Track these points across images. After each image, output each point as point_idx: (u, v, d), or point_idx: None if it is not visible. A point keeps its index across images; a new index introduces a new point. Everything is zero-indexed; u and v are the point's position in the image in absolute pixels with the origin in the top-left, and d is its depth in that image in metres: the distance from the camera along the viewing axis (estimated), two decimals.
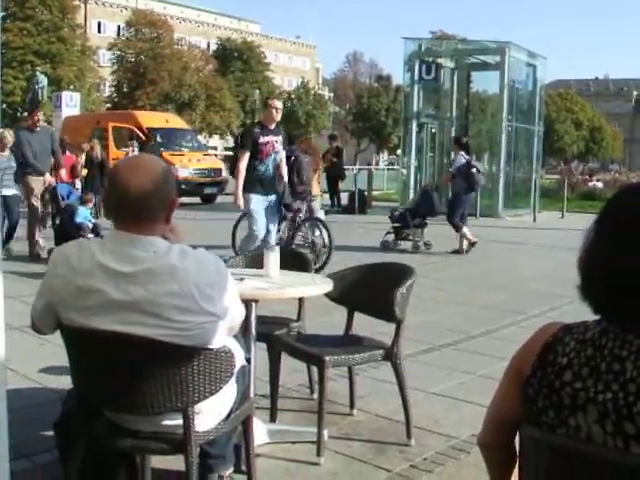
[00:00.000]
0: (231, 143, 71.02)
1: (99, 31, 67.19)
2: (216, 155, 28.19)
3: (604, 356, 1.39)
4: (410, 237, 11.26)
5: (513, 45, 18.50)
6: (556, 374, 1.43)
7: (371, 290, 3.80)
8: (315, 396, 3.96)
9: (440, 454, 3.46)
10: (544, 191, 21.20)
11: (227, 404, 2.56)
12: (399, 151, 29.66)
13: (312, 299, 3.95)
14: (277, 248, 3.71)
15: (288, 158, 10.66)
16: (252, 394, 3.04)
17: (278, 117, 7.61)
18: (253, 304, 3.30)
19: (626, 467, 1.33)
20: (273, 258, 3.56)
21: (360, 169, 27.36)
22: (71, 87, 39.71)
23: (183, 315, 2.26)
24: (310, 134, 62.72)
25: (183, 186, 17.09)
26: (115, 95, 56.60)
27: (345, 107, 77.90)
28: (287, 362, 3.85)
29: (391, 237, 11.32)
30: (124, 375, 2.34)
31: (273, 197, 7.78)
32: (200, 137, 34.23)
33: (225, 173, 21.20)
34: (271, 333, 3.81)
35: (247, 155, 7.50)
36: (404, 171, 19.89)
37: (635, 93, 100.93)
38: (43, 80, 26.29)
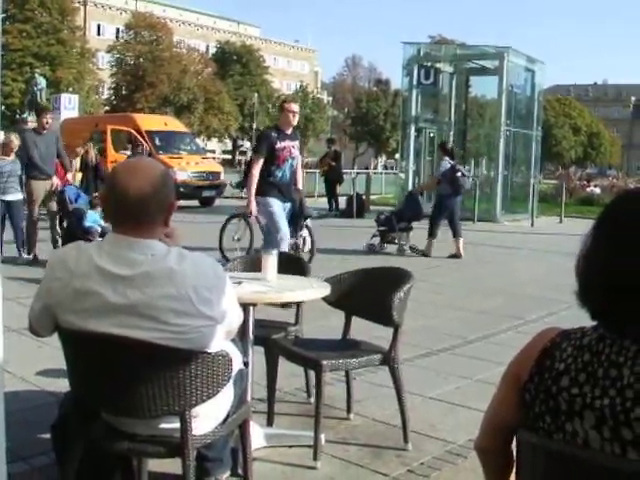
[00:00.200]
0: (229, 146, 71.28)
1: (98, 34, 67.28)
2: (214, 158, 28.17)
3: (601, 362, 1.39)
4: (396, 240, 11.42)
5: (512, 50, 18.53)
6: (553, 380, 1.43)
7: (369, 294, 3.80)
8: (312, 400, 3.95)
9: (437, 459, 3.46)
10: (542, 196, 21.22)
11: (224, 408, 2.56)
12: (397, 155, 29.72)
13: (310, 303, 3.95)
14: (275, 252, 3.71)
15: None
16: (249, 398, 3.04)
17: (295, 121, 7.33)
18: (251, 308, 3.30)
19: (623, 473, 1.33)
20: (271, 262, 3.56)
21: (358, 173, 27.37)
22: (70, 89, 39.77)
23: (180, 318, 2.26)
24: (309, 138, 62.89)
25: (181, 189, 17.09)
26: (114, 98, 56.71)
27: (344, 111, 78.02)
28: (284, 366, 3.85)
29: (377, 240, 11.50)
30: (121, 378, 2.34)
31: (288, 205, 7.49)
32: (199, 140, 34.24)
33: (223, 176, 21.22)
34: (269, 337, 3.81)
35: (262, 161, 7.21)
36: (402, 175, 19.92)
37: (633, 99, 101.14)
38: (42, 82, 26.28)
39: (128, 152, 17.19)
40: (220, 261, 7.00)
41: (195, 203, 19.75)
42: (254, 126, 61.14)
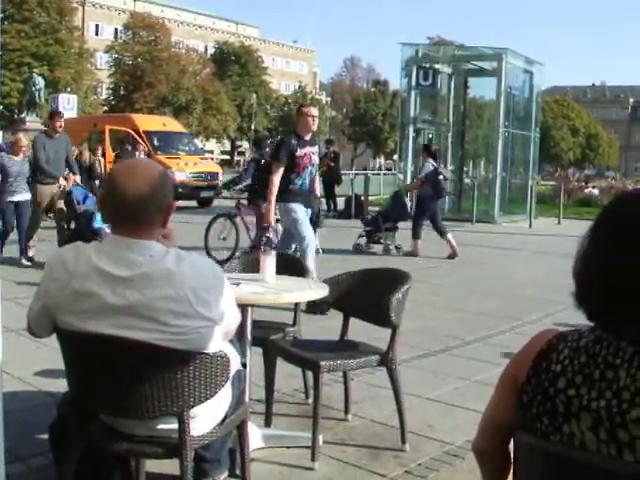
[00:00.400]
0: (228, 147, 71.25)
1: (97, 34, 67.24)
2: (212, 159, 28.15)
3: (598, 364, 1.40)
4: (382, 240, 11.53)
5: (510, 51, 18.56)
6: (550, 381, 1.44)
7: (367, 295, 3.80)
8: (310, 401, 3.95)
9: (435, 460, 3.47)
10: (540, 197, 21.24)
11: (222, 409, 2.56)
12: (395, 156, 29.72)
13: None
14: (273, 253, 3.71)
15: (258, 162, 10.59)
16: (247, 399, 3.04)
17: (315, 126, 7.08)
18: (249, 309, 3.31)
19: (619, 475, 1.34)
20: (269, 263, 3.57)
21: (357, 174, 27.38)
22: (68, 89, 39.77)
23: (179, 319, 2.26)
24: None
25: (180, 189, 17.10)
26: (112, 98, 56.67)
27: (342, 112, 78.01)
28: (282, 367, 3.85)
29: (363, 240, 11.64)
30: (119, 379, 2.34)
31: (309, 212, 7.15)
32: (197, 141, 34.23)
33: (222, 177, 21.20)
34: (267, 338, 3.81)
35: (282, 169, 6.86)
36: (401, 176, 19.92)
37: (632, 100, 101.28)
38: (40, 82, 26.20)
39: (140, 153, 16.96)
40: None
41: (193, 204, 19.75)
42: (252, 127, 61.17)
